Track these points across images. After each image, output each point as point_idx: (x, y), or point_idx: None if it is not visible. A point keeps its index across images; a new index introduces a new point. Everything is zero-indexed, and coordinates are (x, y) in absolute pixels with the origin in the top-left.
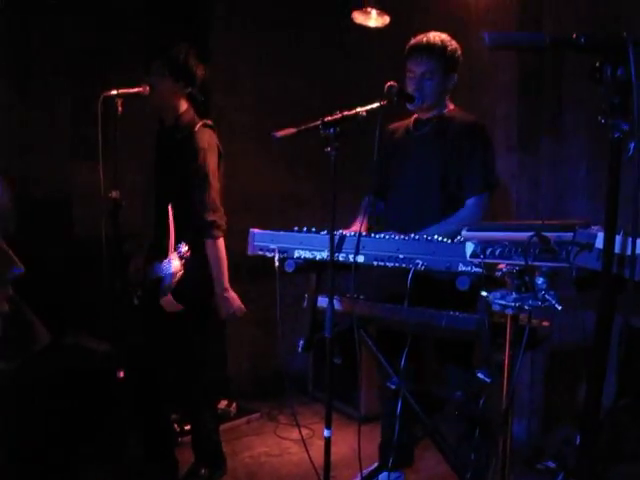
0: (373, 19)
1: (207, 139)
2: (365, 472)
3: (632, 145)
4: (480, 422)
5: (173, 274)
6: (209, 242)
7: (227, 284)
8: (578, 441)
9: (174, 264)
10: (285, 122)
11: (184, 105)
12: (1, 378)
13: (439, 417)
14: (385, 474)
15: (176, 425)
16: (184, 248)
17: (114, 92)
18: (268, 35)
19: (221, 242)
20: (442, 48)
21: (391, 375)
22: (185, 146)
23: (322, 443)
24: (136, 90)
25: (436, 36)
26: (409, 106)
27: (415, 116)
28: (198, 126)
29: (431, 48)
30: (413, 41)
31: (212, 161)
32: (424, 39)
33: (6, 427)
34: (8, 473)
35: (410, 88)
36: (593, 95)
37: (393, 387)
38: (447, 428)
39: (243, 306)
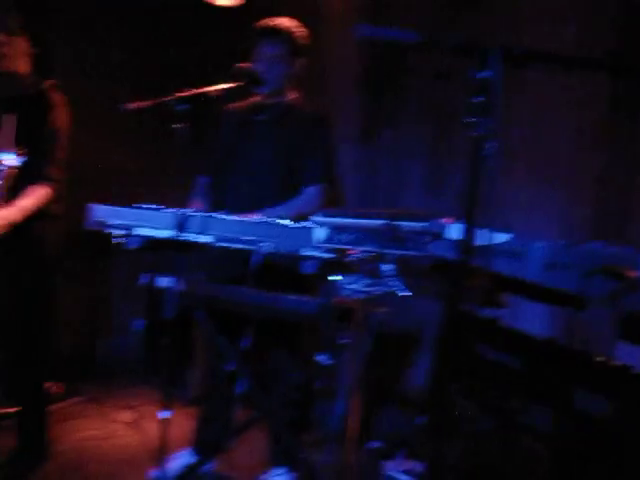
0: None
1: (59, 100)
2: (177, 456)
3: (491, 144)
4: (310, 404)
5: None
6: (37, 189)
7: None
8: (419, 421)
9: None
10: (127, 96)
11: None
12: None
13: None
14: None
15: None
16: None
17: None
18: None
19: (44, 195)
20: (291, 33)
21: (229, 357)
22: (37, 101)
23: (152, 426)
24: None
25: (285, 21)
26: (257, 89)
27: (258, 99)
28: (48, 84)
29: (280, 32)
30: (262, 24)
31: (65, 122)
32: (274, 23)
33: None
34: None
35: (259, 71)
36: (433, 91)
37: (231, 369)
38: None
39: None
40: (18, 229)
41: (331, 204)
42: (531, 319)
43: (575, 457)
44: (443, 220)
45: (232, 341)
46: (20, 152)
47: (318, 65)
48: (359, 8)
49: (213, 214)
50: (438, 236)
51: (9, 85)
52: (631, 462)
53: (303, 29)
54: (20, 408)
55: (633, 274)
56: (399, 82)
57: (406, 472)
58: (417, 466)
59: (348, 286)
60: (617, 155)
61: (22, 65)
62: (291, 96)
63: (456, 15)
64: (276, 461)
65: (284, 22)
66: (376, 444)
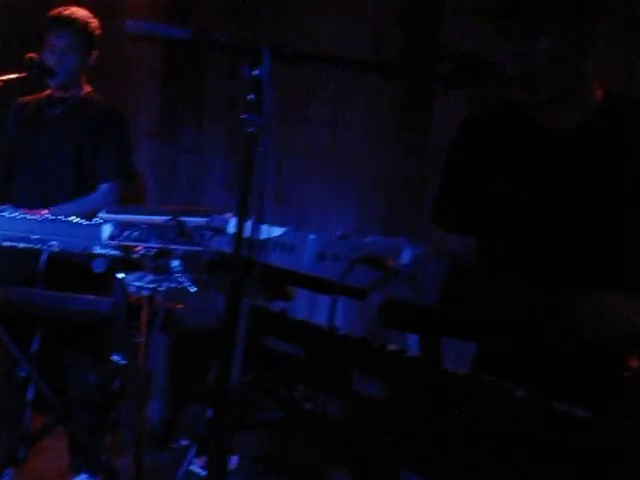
0: None
1: None
2: None
3: (263, 140)
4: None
5: None
6: None
7: None
8: (209, 415)
9: None
10: None
11: None
12: None
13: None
14: None
15: None
16: None
17: None
18: None
19: None
20: (84, 23)
21: (19, 361)
22: None
23: None
24: None
25: (78, 11)
26: (49, 81)
27: (49, 93)
28: None
29: (74, 22)
30: (53, 13)
31: None
32: (65, 12)
33: None
34: None
35: (50, 62)
36: (230, 89)
37: (23, 374)
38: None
39: None
40: None
41: (131, 202)
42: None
43: (362, 439)
44: (225, 215)
45: (23, 345)
46: None
47: (118, 59)
48: (159, 4)
49: None
50: (220, 231)
51: None
52: (409, 437)
53: (95, 19)
54: None
55: (393, 263)
56: (198, 79)
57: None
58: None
59: (134, 283)
60: (408, 156)
61: None
62: (84, 90)
63: (259, 16)
64: (76, 468)
65: (76, 12)
66: (183, 442)
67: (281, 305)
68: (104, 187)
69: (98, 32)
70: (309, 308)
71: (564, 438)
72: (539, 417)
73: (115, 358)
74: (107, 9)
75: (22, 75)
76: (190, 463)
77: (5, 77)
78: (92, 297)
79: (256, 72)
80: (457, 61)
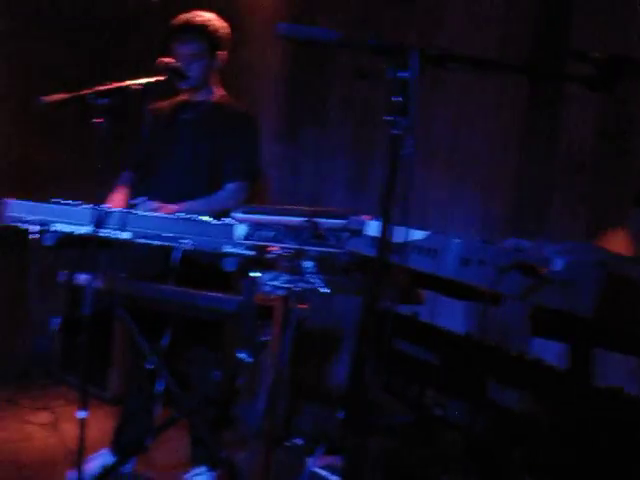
0: None
1: None
2: (95, 457)
3: (409, 142)
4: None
5: None
6: None
7: None
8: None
9: None
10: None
11: None
12: None
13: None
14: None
15: None
16: None
17: None
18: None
19: None
20: (205, 27)
21: (148, 355)
22: None
23: (69, 427)
24: None
25: (200, 15)
26: (181, 85)
27: (182, 97)
28: None
29: (195, 28)
30: (177, 21)
31: None
32: (188, 19)
33: None
34: None
35: (180, 67)
36: (354, 90)
37: (151, 367)
38: None
39: None
40: None
41: (254, 201)
42: (449, 315)
43: (490, 449)
44: (362, 217)
45: (152, 339)
46: None
47: (241, 61)
48: (284, 4)
49: (132, 210)
50: (357, 233)
51: None
52: (544, 452)
53: (221, 21)
54: None
55: (544, 270)
56: (321, 80)
57: (325, 467)
58: (338, 461)
59: (269, 283)
60: (534, 156)
61: None
62: (218, 93)
63: (379, 14)
64: (196, 460)
65: (200, 16)
66: (298, 441)
67: (411, 308)
68: (232, 186)
69: (225, 34)
70: (430, 312)
71: None
72: None
73: (241, 355)
74: (232, 11)
75: (159, 79)
76: (305, 463)
77: (144, 80)
78: (220, 295)
79: (403, 74)
80: (602, 62)
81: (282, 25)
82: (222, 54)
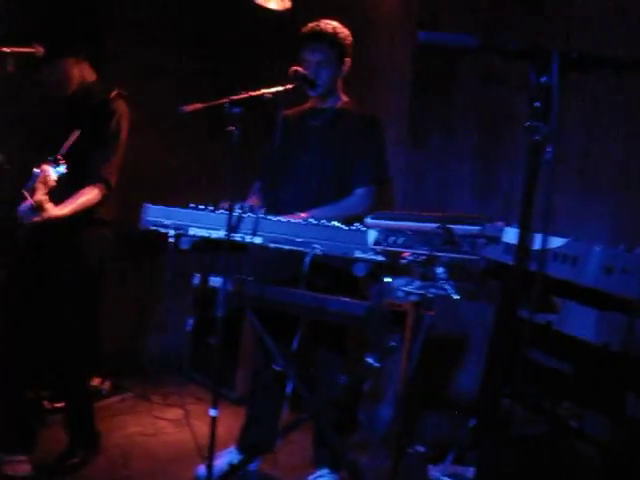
0: (273, 1)
1: (122, 107)
2: (221, 454)
3: (549, 149)
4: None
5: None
6: (90, 188)
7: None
8: (468, 425)
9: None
10: (182, 98)
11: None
12: None
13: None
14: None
15: (47, 403)
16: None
17: (6, 49)
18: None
19: (97, 195)
20: (334, 35)
21: (277, 357)
22: (101, 110)
23: (198, 423)
24: (28, 50)
25: (327, 23)
26: (310, 92)
27: (310, 105)
28: (114, 94)
29: (324, 36)
30: (305, 29)
31: (124, 128)
32: (316, 27)
33: None
34: None
35: (309, 75)
36: (483, 94)
37: (278, 369)
38: None
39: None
40: (66, 232)
41: (382, 207)
42: (580, 324)
43: (628, 464)
44: (498, 223)
45: (282, 341)
46: (61, 161)
47: (367, 67)
48: (413, 9)
49: (265, 215)
50: (494, 240)
51: (80, 99)
52: None
53: (346, 30)
54: (66, 403)
55: None
56: (448, 85)
57: (452, 476)
58: (465, 471)
59: (401, 288)
60: None
61: (87, 76)
62: (344, 99)
63: (509, 17)
64: (320, 462)
65: (327, 25)
66: (420, 448)
67: (545, 317)
68: (360, 191)
69: (349, 42)
70: (559, 319)
71: None
72: None
73: (369, 360)
74: (356, 18)
75: (288, 87)
76: (429, 470)
77: (274, 89)
78: (349, 299)
79: (544, 79)
80: None
81: (422, 34)
82: (347, 61)
